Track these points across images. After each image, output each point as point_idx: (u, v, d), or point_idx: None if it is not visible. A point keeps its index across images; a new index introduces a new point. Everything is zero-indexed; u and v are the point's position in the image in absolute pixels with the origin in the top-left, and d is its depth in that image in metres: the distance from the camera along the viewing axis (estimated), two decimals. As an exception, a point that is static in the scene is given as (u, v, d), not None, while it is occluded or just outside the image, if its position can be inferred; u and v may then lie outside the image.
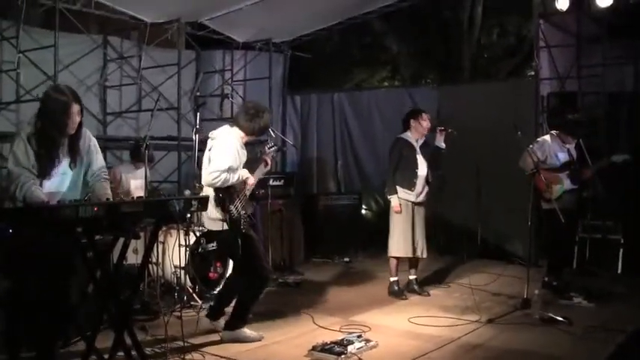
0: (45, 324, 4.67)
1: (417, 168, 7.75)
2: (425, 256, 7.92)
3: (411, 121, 7.87)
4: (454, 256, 10.23)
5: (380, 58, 18.56)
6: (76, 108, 4.74)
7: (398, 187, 7.75)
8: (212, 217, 5.90)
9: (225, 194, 5.86)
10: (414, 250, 7.80)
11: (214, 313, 6.31)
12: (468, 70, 16.49)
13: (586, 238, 9.12)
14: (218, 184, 5.78)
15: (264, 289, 6.17)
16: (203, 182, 5.91)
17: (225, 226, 5.85)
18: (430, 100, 11.11)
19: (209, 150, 5.98)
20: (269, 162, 6.41)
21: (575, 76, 10.02)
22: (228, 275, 7.28)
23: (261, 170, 6.29)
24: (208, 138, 6.10)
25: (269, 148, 6.45)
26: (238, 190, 5.98)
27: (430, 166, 7.87)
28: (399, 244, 7.79)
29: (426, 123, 7.85)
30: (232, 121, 6.20)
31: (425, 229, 7.90)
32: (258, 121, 6.02)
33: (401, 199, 7.74)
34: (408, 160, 7.77)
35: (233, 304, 6.16)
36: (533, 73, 10.95)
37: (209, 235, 7.35)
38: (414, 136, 7.87)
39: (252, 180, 6.08)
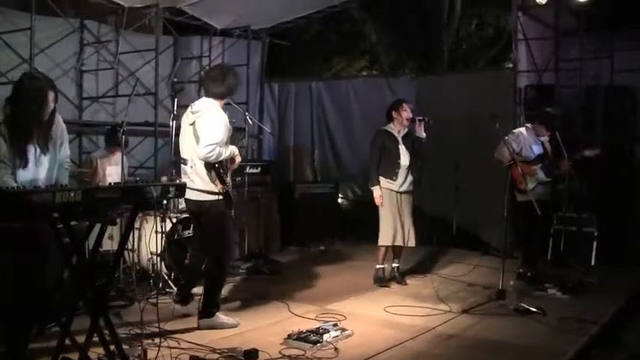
0: (19, 312, 4.63)
1: (400, 158, 7.77)
2: (412, 244, 7.93)
3: (393, 112, 7.89)
4: (430, 246, 10.27)
5: (359, 47, 18.53)
6: (51, 96, 4.71)
7: (381, 177, 7.78)
8: (205, 190, 5.78)
9: (221, 167, 5.78)
10: (402, 238, 7.83)
11: (183, 297, 6.30)
12: (447, 61, 16.50)
13: (561, 230, 9.17)
14: (213, 158, 5.67)
15: (227, 267, 6.29)
16: (197, 156, 5.72)
17: (220, 198, 5.81)
18: (408, 90, 11.15)
19: (190, 124, 5.86)
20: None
21: (552, 69, 10.07)
22: (192, 252, 6.97)
23: None
24: (189, 110, 5.95)
25: None
26: (229, 164, 5.98)
27: (413, 156, 7.86)
28: (387, 234, 7.82)
29: (406, 113, 7.85)
30: (205, 92, 6.00)
31: (412, 218, 7.92)
32: (228, 81, 5.94)
33: (384, 188, 7.77)
34: (390, 151, 7.79)
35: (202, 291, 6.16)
36: (511, 65, 10.99)
37: (185, 222, 7.43)
38: (396, 127, 7.88)
39: (239, 158, 6.05)
